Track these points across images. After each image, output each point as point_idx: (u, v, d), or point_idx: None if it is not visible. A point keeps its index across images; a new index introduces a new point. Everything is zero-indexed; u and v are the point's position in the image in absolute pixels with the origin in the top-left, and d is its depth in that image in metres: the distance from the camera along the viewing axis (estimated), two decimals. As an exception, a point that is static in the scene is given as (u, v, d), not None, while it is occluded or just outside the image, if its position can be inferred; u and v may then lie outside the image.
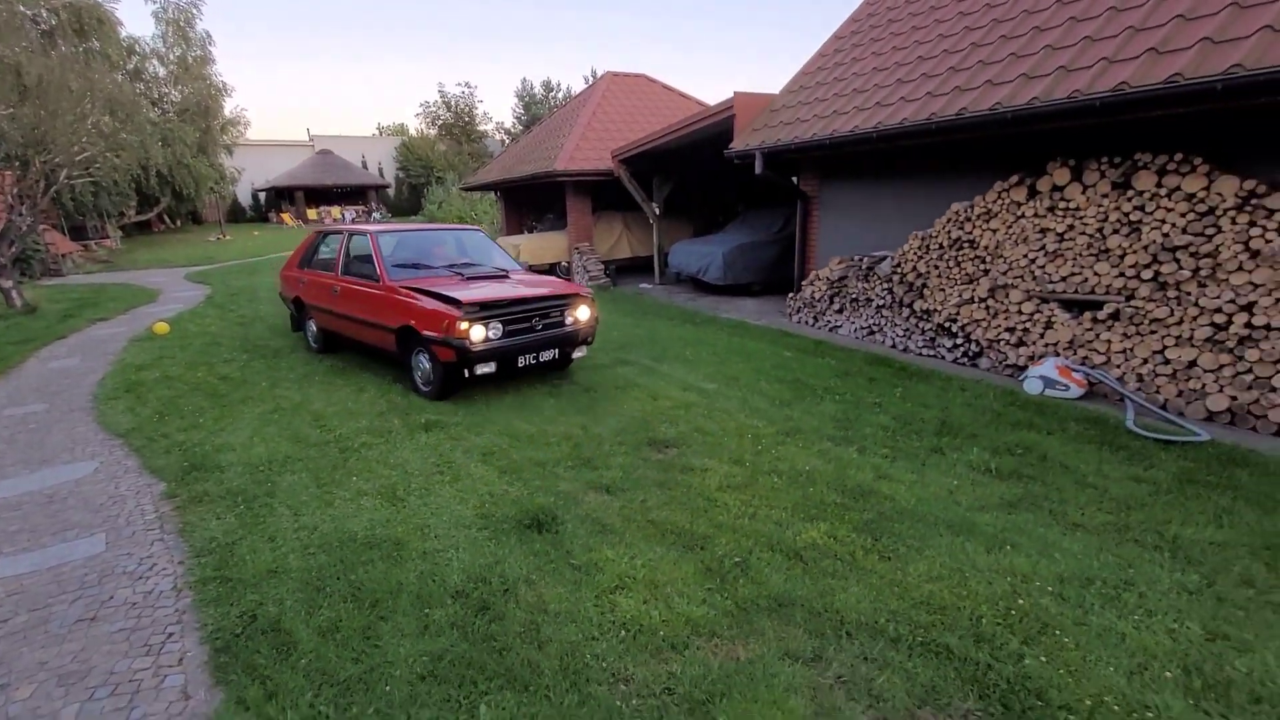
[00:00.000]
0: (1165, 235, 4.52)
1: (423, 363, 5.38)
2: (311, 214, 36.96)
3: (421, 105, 49.96)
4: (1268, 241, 4.07)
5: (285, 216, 36.00)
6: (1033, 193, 5.33)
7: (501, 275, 6.06)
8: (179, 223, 30.54)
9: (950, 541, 3.10)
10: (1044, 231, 5.26)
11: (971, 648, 2.39)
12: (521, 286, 5.66)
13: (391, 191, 42.16)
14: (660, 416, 4.91)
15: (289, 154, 39.95)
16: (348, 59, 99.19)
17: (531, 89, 43.71)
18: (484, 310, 5.07)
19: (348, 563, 3.04)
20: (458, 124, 42.39)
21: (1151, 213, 4.59)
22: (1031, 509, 3.41)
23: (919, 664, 2.33)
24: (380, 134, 49.27)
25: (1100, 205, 4.86)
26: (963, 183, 6.12)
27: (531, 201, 17.01)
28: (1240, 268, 4.19)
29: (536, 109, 41.72)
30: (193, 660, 2.48)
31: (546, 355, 5.51)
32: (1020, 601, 2.63)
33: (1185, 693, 2.15)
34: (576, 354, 5.93)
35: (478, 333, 4.98)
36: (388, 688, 2.26)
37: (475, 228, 7.22)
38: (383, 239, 6.06)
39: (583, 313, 5.73)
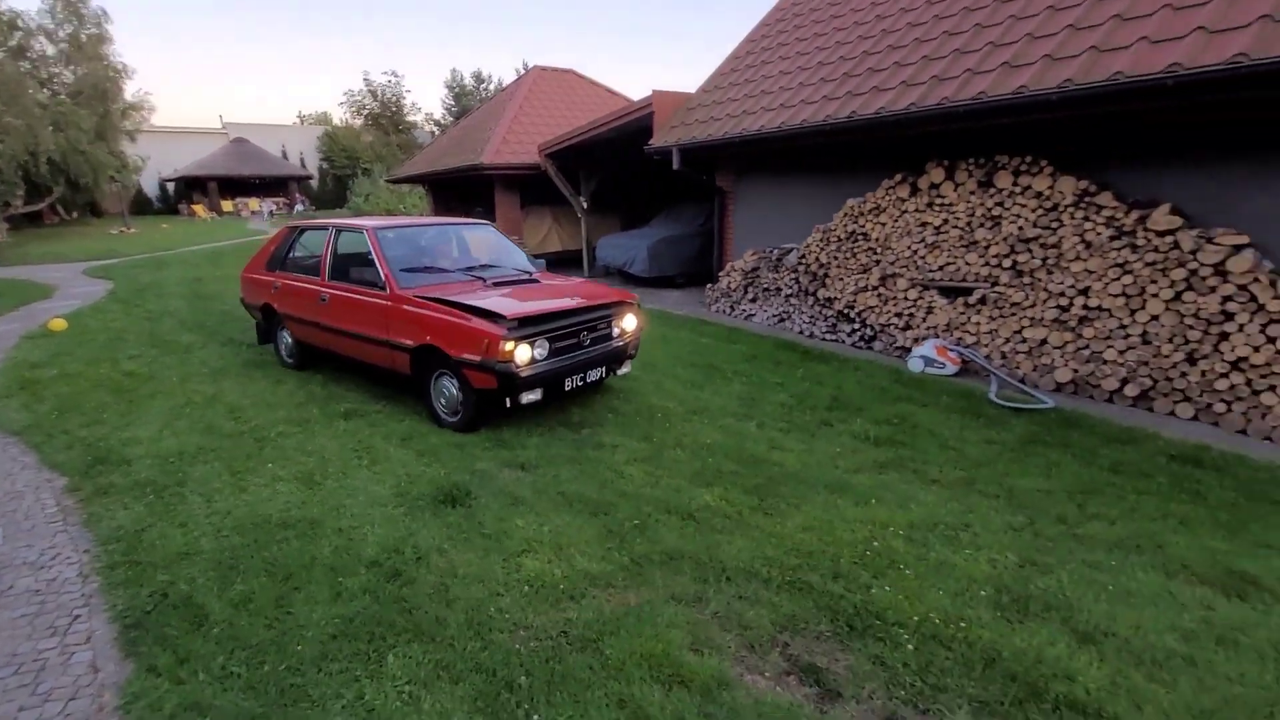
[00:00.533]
0: (1020, 228, 5.11)
1: (448, 389, 4.50)
2: (227, 206, 35.02)
3: (346, 94, 47.99)
4: (1098, 234, 4.68)
5: (197, 208, 33.94)
6: (914, 190, 5.87)
7: (528, 279, 5.15)
8: (75, 214, 28.32)
9: (826, 499, 3.49)
10: (924, 225, 5.80)
11: (830, 583, 2.75)
12: (561, 294, 4.83)
13: (315, 183, 40.44)
14: (577, 400, 5.14)
15: (200, 142, 37.66)
16: (265, 43, 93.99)
17: (461, 80, 42.85)
18: (530, 326, 4.22)
19: (262, 542, 3.12)
20: (384, 114, 41.07)
21: (1009, 208, 5.17)
22: (899, 469, 3.86)
23: (784, 598, 2.66)
24: (302, 123, 47.11)
25: (969, 201, 5.43)
26: (858, 180, 6.62)
27: (460, 195, 16.83)
28: (1078, 257, 4.80)
29: (467, 100, 40.94)
30: (101, 638, 2.53)
31: (594, 375, 4.67)
32: (875, 544, 3.02)
33: (994, 606, 2.57)
34: (621, 371, 5.06)
35: (524, 354, 4.13)
36: (299, 647, 2.40)
37: (484, 222, 6.15)
38: (384, 237, 5.03)
39: (629, 322, 4.98)
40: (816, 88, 6.74)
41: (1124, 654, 2.30)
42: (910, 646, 2.36)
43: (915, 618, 2.50)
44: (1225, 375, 4.19)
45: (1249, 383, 4.12)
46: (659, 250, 10.38)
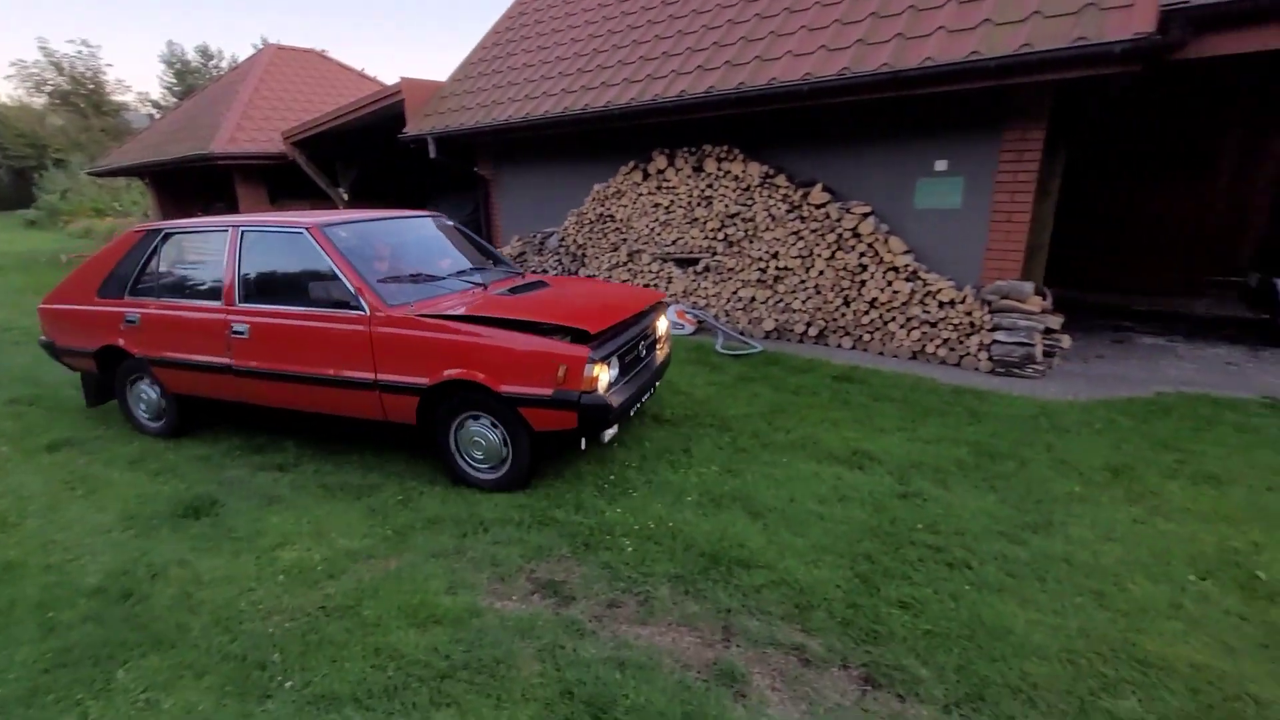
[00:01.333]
0: (726, 206, 6.03)
1: (485, 436, 3.40)
2: None
3: (15, 65, 37.77)
4: (778, 209, 5.74)
5: None
6: (645, 175, 6.56)
7: (536, 281, 4.12)
8: None
9: (578, 452, 3.91)
10: (656, 206, 6.54)
11: (573, 515, 3.15)
12: (600, 295, 3.99)
13: (-20, 178, 31.53)
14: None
15: None
16: None
17: (184, 55, 36.27)
18: (609, 342, 3.37)
19: (-63, 599, 2.65)
20: (78, 92, 33.27)
21: (717, 190, 6.07)
22: (639, 417, 4.41)
23: (534, 535, 3.00)
24: (-53, 100, 36.17)
25: (688, 184, 6.24)
26: (601, 167, 7.16)
27: (193, 188, 14.50)
28: (768, 228, 5.84)
29: (193, 79, 34.83)
30: None
31: (646, 396, 3.81)
32: (612, 478, 3.50)
33: (698, 508, 3.18)
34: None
35: (605, 378, 3.24)
36: (2, 691, 2.16)
37: (433, 214, 4.68)
38: (338, 236, 3.67)
39: (663, 325, 4.24)
40: (556, 81, 7.11)
41: (779, 520, 3.03)
42: (630, 549, 2.85)
43: (637, 527, 3.01)
44: (866, 312, 5.48)
45: (881, 317, 5.43)
46: (430, 240, 10.10)
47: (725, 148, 5.95)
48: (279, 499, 3.42)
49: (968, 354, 5.03)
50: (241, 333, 3.74)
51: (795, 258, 5.71)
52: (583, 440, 3.32)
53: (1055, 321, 4.86)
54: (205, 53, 36.71)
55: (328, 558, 2.87)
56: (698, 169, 6.18)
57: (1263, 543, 2.72)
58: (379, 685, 2.13)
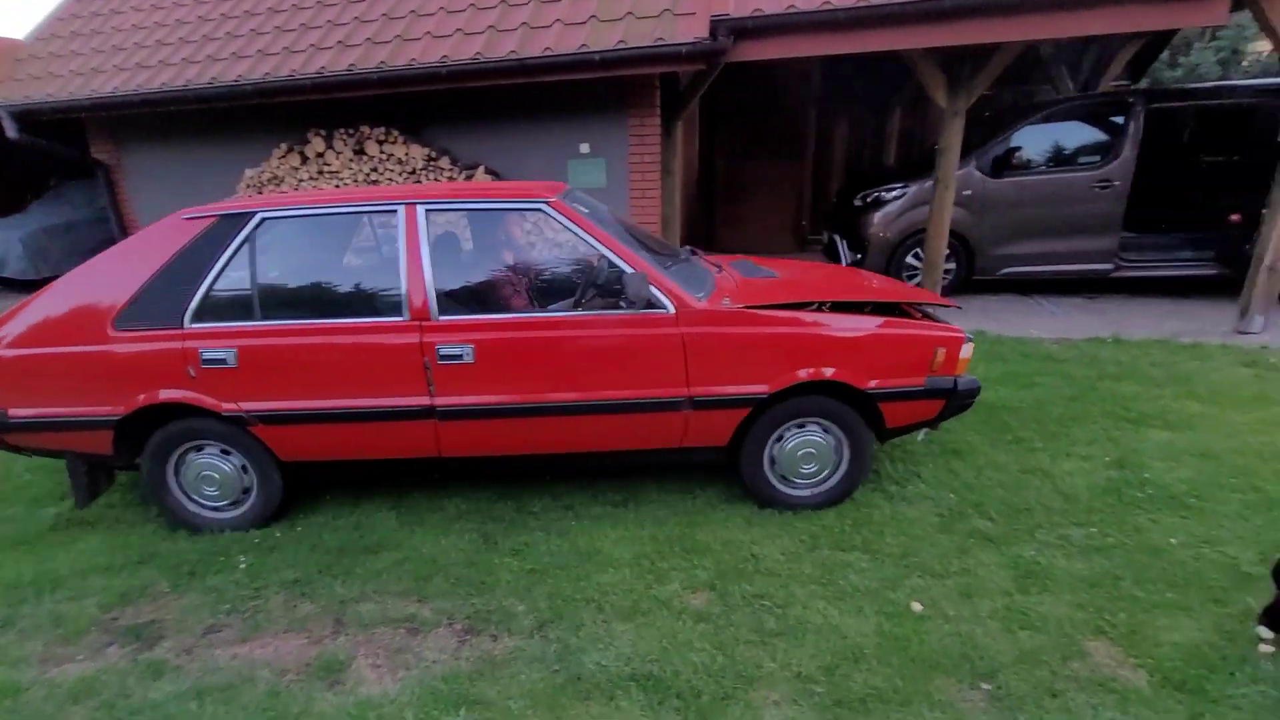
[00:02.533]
0: (395, 190, 5.75)
1: (816, 444, 2.77)
2: None
3: None
4: (448, 191, 5.65)
5: None
6: (304, 159, 5.89)
7: (757, 265, 3.31)
8: None
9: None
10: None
11: (183, 543, 2.77)
12: (850, 276, 3.59)
13: None
14: None
15: None
16: None
17: None
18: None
19: None
20: None
21: (383, 174, 5.72)
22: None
23: (125, 578, 2.56)
24: None
25: (351, 169, 5.77)
26: (252, 149, 6.22)
27: None
28: (440, 210, 5.72)
29: None
30: None
31: None
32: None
33: (335, 505, 3.03)
34: None
35: None
36: None
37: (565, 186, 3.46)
38: (580, 211, 2.70)
39: None
40: (176, 48, 5.95)
41: (420, 501, 3.04)
42: (245, 566, 2.60)
43: (258, 540, 2.76)
44: (543, 286, 5.72)
45: (556, 288, 5.73)
46: (40, 243, 7.88)
47: (384, 129, 5.62)
48: None
49: (629, 315, 5.58)
50: (457, 357, 2.58)
51: (471, 239, 5.70)
52: (923, 431, 3.00)
53: (691, 281, 5.63)
54: None
55: None
56: (359, 152, 5.75)
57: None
58: None
